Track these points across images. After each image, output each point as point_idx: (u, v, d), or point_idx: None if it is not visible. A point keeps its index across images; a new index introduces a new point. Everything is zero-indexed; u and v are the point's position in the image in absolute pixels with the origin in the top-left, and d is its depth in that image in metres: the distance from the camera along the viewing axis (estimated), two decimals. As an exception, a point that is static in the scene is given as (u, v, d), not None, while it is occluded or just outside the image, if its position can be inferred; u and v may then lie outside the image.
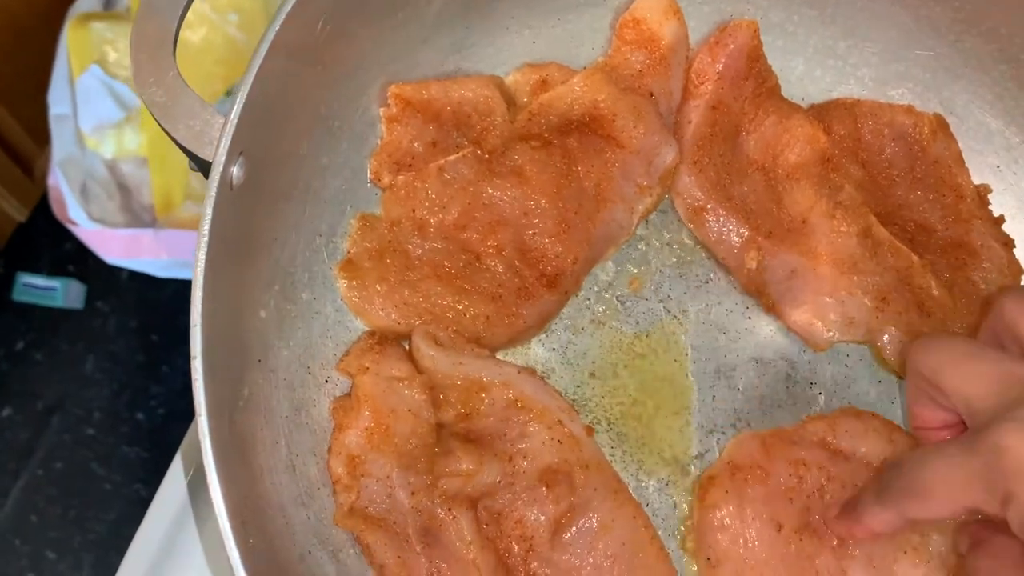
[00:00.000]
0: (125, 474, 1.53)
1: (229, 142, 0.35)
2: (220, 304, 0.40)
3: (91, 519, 1.51)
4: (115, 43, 1.25)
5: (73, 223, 1.25)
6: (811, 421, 0.56)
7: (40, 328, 1.60)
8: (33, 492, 1.52)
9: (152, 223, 1.27)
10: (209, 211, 0.35)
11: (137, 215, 1.28)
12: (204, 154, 0.36)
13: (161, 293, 1.60)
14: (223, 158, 0.35)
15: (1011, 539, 0.41)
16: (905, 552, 0.52)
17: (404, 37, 0.53)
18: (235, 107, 0.36)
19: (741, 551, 0.52)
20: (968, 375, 0.42)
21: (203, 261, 0.34)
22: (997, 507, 0.38)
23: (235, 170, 0.37)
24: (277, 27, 0.37)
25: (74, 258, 1.61)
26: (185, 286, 1.59)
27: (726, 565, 0.53)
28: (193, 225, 1.25)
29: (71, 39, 1.25)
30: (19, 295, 1.57)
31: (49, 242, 1.60)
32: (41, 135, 1.35)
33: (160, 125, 0.36)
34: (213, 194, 0.35)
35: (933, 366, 0.45)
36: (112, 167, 1.27)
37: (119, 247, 1.27)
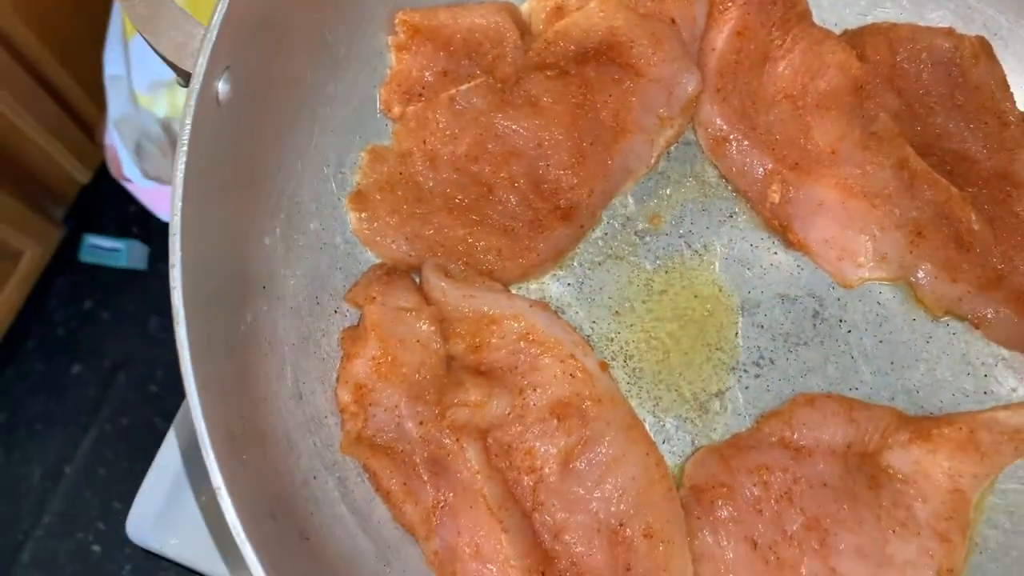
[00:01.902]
0: (187, 430, 1.56)
1: (209, 53, 0.35)
2: (215, 225, 0.40)
3: (156, 472, 1.55)
4: (167, 3, 1.27)
5: (128, 180, 1.28)
6: (765, 420, 0.53)
7: (106, 288, 1.64)
8: (102, 446, 1.57)
9: (204, 181, 1.29)
10: (189, 120, 0.35)
11: (190, 173, 1.30)
12: (186, 65, 0.36)
13: (221, 254, 1.63)
14: (203, 68, 0.35)
15: None
16: (894, 531, 0.50)
17: (413, -38, 0.52)
18: (216, 18, 0.36)
19: None
20: None
21: (182, 171, 0.34)
22: None
23: (220, 84, 0.37)
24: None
25: (138, 220, 1.65)
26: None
27: None
28: (244, 183, 1.27)
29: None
30: (85, 255, 1.62)
31: (113, 204, 1.64)
32: (102, 99, 1.38)
33: (143, 37, 0.36)
34: (193, 103, 0.35)
35: None
36: (166, 125, 1.29)
37: (173, 204, 1.30)
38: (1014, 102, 0.56)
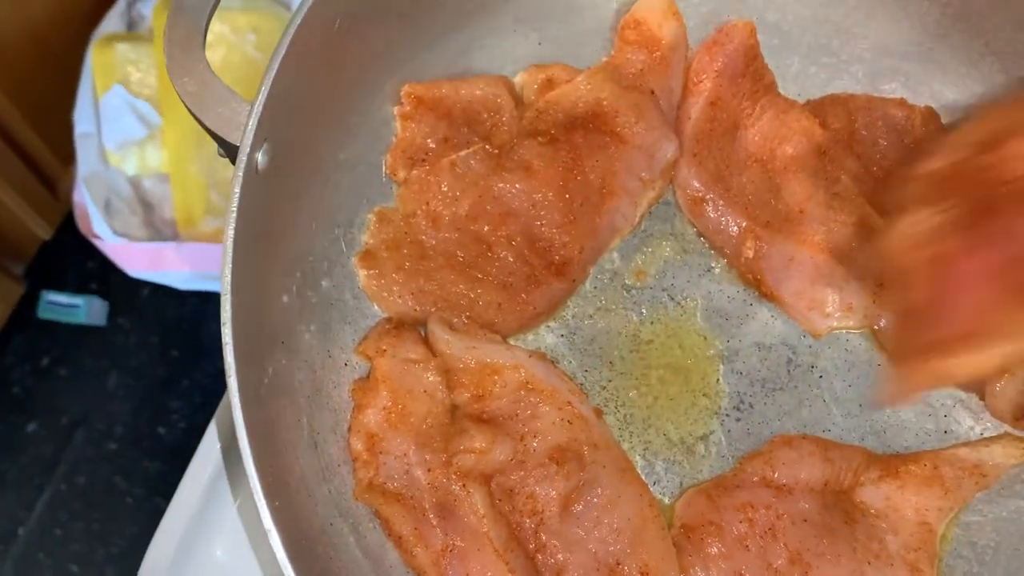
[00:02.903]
0: (147, 488, 1.55)
1: (255, 128, 0.38)
2: (246, 286, 0.43)
3: (114, 533, 1.53)
4: (138, 63, 1.30)
5: (97, 237, 1.28)
6: (748, 460, 0.58)
7: (64, 344, 1.63)
8: (57, 506, 1.54)
9: (173, 237, 1.31)
10: (237, 190, 0.38)
11: (159, 230, 1.32)
12: (232, 139, 0.39)
13: (181, 310, 1.63)
14: (249, 141, 0.38)
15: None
16: (869, 562, 0.55)
17: (416, 39, 0.56)
18: (260, 95, 0.39)
19: None
20: None
21: (232, 237, 0.37)
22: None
23: (260, 156, 0.40)
24: (297, 23, 0.41)
25: (97, 276, 1.64)
26: (204, 302, 1.62)
27: None
28: (213, 239, 1.29)
29: (95, 60, 1.29)
30: (43, 312, 1.61)
31: (73, 260, 1.63)
32: (65, 154, 1.39)
33: (191, 113, 0.39)
34: (240, 175, 0.38)
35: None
36: (135, 183, 1.31)
37: (142, 260, 1.30)
38: (960, 166, 0.62)
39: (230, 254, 0.37)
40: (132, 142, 1.30)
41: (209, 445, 0.54)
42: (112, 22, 1.32)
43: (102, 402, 1.61)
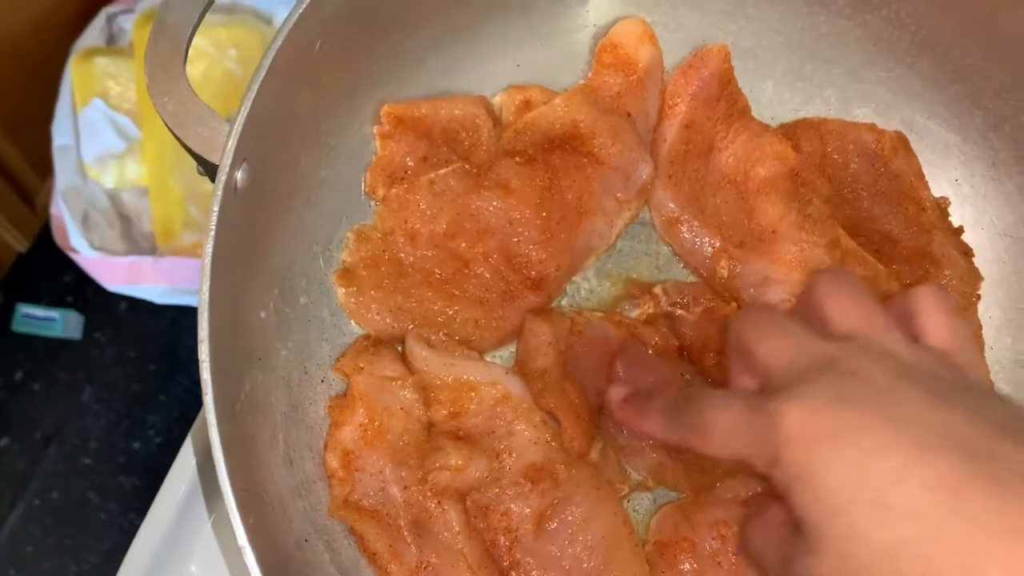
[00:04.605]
0: (121, 504, 1.54)
1: (234, 147, 0.39)
2: (225, 301, 0.43)
3: (86, 549, 1.51)
4: (117, 77, 1.30)
5: (74, 251, 1.28)
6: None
7: (39, 358, 1.61)
8: (29, 521, 1.53)
9: (151, 251, 1.30)
10: (216, 208, 0.38)
11: (137, 243, 1.31)
12: (212, 158, 0.39)
13: (158, 324, 1.63)
14: (229, 161, 0.38)
15: (781, 508, 0.40)
16: None
17: (397, 60, 0.57)
18: (240, 115, 0.39)
19: None
20: (772, 347, 0.42)
21: (210, 255, 0.37)
22: (763, 466, 0.39)
23: (239, 175, 0.41)
24: (279, 44, 0.41)
25: (73, 289, 1.63)
26: (182, 316, 1.61)
27: None
28: (191, 253, 1.29)
29: (75, 73, 1.29)
30: (18, 325, 1.60)
31: (49, 273, 1.62)
32: (43, 167, 1.39)
33: (172, 132, 0.39)
34: (219, 194, 0.38)
35: (748, 337, 0.45)
36: (113, 197, 1.30)
37: (119, 274, 1.30)
38: (929, 190, 0.64)
39: (208, 271, 0.37)
40: (111, 155, 1.30)
41: (185, 460, 0.54)
42: (92, 35, 1.32)
43: (76, 417, 1.59)
